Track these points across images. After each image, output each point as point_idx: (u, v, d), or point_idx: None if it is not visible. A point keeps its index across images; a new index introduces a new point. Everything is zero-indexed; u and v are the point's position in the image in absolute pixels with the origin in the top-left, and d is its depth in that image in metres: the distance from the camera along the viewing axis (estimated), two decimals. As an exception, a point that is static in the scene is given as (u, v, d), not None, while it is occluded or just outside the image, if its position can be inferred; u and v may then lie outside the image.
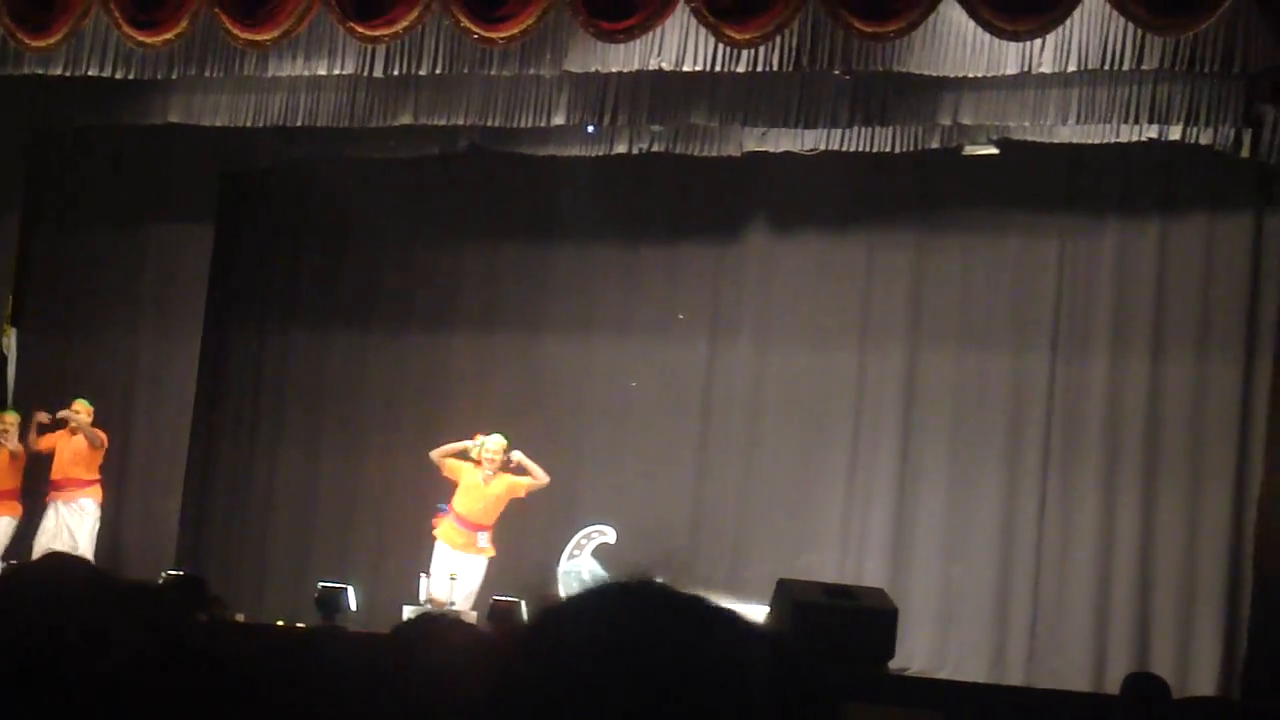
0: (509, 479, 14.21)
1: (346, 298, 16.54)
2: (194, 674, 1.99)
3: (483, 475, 14.16)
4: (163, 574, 13.03)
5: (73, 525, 14.67)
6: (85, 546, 14.51)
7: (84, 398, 15.08)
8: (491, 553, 14.10)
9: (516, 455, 14.23)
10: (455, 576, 13.87)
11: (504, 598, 12.76)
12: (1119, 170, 14.31)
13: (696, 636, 1.33)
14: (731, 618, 1.38)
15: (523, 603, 12.17)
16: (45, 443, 14.93)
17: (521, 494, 14.24)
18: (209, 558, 15.75)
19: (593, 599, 1.37)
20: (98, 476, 14.91)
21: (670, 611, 1.36)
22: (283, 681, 2.08)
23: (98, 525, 14.83)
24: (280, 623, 13.53)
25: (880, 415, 15.08)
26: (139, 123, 14.80)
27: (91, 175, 15.97)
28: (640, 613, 1.34)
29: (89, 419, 14.87)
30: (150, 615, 2.03)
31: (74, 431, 14.85)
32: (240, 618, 13.68)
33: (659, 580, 1.42)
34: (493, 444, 14.20)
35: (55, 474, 14.83)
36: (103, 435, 14.92)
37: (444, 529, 14.25)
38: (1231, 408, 13.90)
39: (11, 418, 14.97)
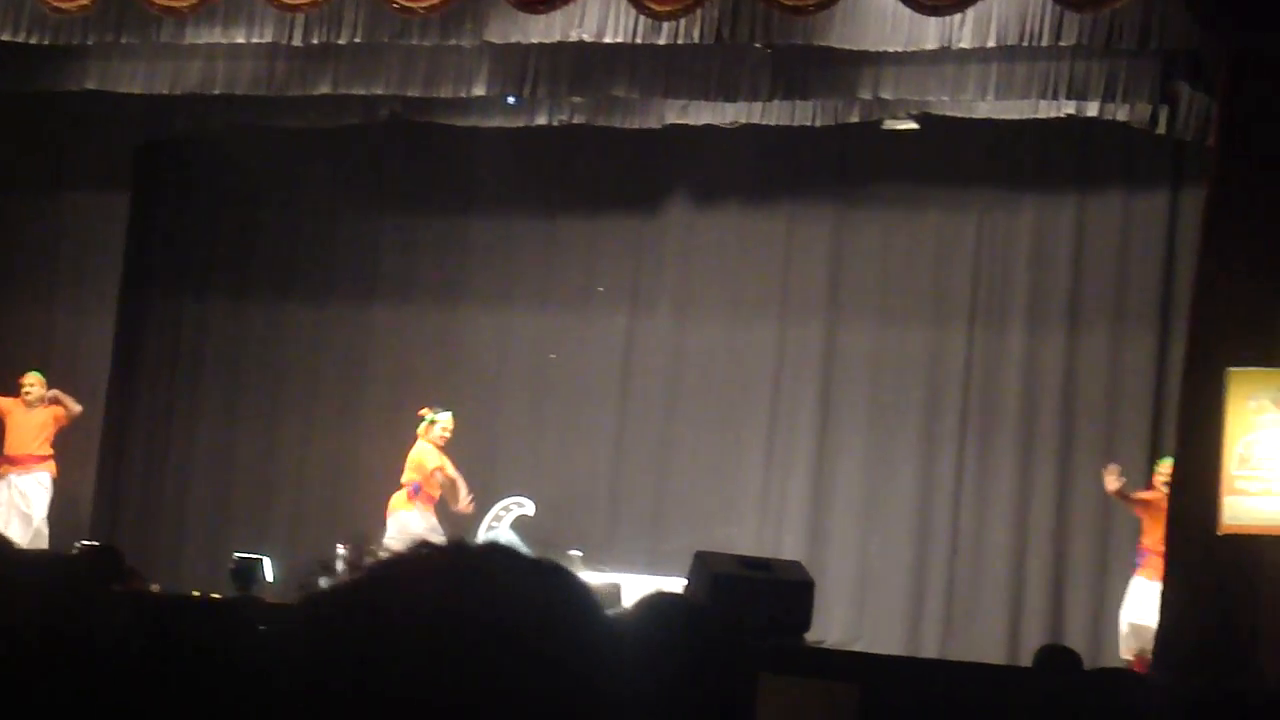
0: (428, 448, 14.13)
1: (265, 268, 16.44)
2: (103, 646, 1.98)
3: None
4: (76, 545, 12.93)
5: (30, 499, 14.48)
6: (40, 521, 14.38)
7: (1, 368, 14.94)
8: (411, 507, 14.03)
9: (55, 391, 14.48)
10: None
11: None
12: (1037, 146, 14.40)
13: (547, 597, 1.30)
14: (577, 582, 1.34)
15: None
16: None
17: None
18: (124, 529, 15.63)
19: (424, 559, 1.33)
20: (52, 451, 14.73)
21: (513, 571, 1.33)
22: (196, 651, 2.07)
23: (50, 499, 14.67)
24: (196, 593, 13.45)
25: (799, 389, 15.13)
26: (55, 89, 14.64)
27: (7, 143, 15.78)
28: (471, 572, 1.30)
29: (43, 391, 14.71)
30: (61, 588, 2.02)
31: (30, 405, 14.65)
32: (156, 588, 13.60)
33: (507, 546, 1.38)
34: (445, 420, 14.12)
35: (10, 448, 14.64)
36: (78, 407, 14.79)
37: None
38: (1146, 382, 14.03)
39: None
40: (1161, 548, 12.25)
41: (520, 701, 1.21)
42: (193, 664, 2.06)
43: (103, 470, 15.80)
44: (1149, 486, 12.72)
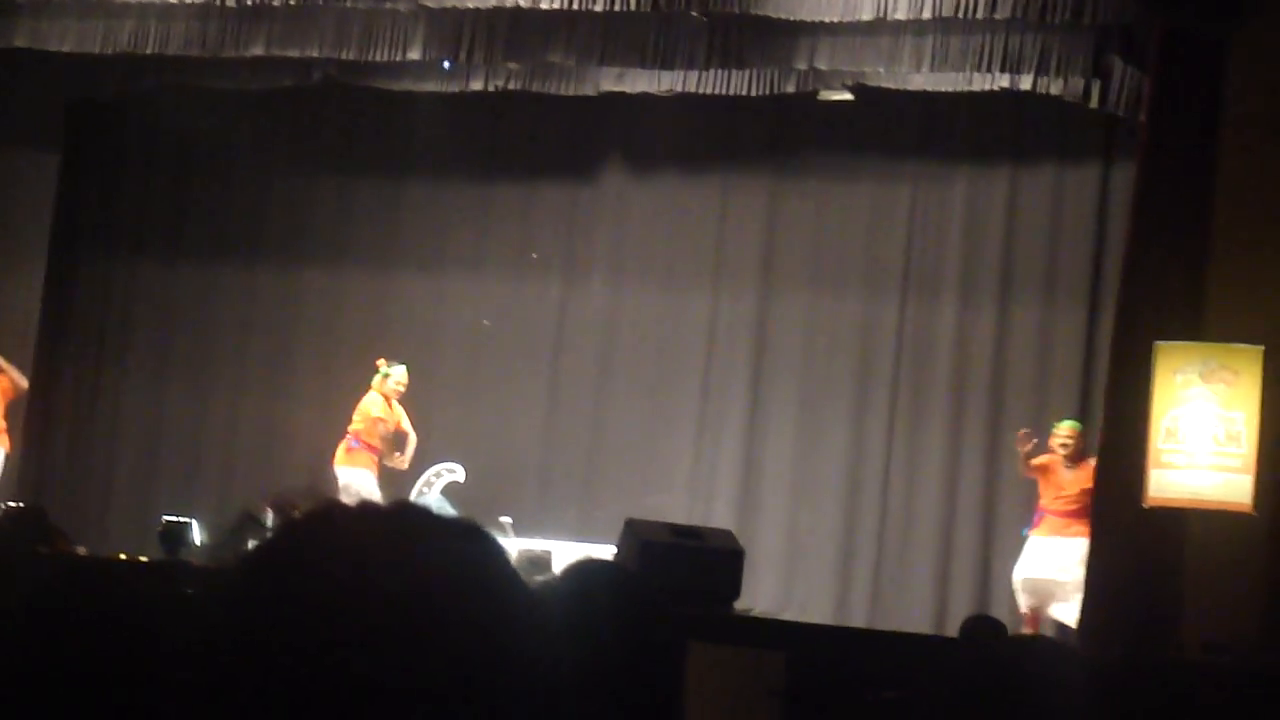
0: (376, 398, 14.21)
1: (196, 230, 16.34)
2: (26, 609, 1.96)
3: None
4: (2, 505, 12.83)
5: None
6: None
7: None
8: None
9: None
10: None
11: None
12: (971, 119, 14.45)
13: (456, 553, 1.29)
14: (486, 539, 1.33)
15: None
16: None
17: (382, 410, 14.20)
18: (51, 491, 15.51)
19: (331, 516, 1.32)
20: (4, 425, 14.53)
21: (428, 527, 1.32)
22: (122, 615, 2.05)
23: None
24: (123, 556, 13.38)
25: (731, 358, 15.16)
26: (-16, 47, 14.49)
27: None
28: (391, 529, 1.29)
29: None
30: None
31: None
32: (82, 551, 13.51)
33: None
34: (399, 375, 14.18)
35: None
36: (24, 381, 14.63)
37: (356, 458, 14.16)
38: (1075, 355, 14.12)
39: None
40: (1055, 506, 12.53)
41: (432, 666, 1.21)
42: (117, 628, 2.04)
43: (29, 432, 15.66)
44: (1047, 450, 12.86)
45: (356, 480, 13.91)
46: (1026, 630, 12.35)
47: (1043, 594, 12.61)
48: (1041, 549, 12.67)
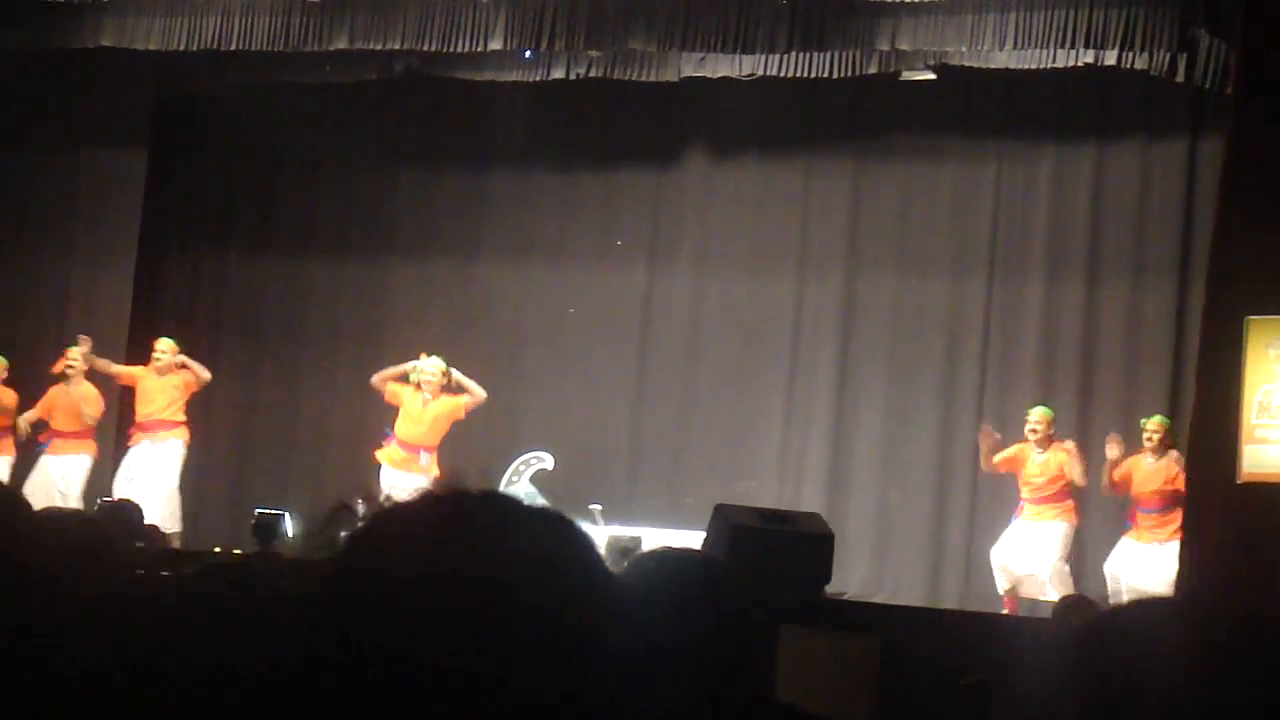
0: (450, 401, 14.22)
1: (283, 223, 16.45)
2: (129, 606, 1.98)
3: (421, 399, 14.17)
4: (97, 502, 12.97)
5: (162, 466, 14.38)
6: (172, 489, 14.35)
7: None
8: (435, 472, 14.10)
9: (455, 374, 14.25)
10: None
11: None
12: (1055, 95, 14.34)
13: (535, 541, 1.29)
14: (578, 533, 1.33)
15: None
16: (124, 379, 14.74)
17: (462, 415, 14.25)
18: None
19: (422, 505, 1.33)
20: (184, 418, 14.60)
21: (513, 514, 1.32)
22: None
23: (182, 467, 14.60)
24: (217, 549, 13.50)
25: (818, 341, 15.13)
26: (72, 46, 14.63)
27: (24, 100, 15.77)
28: (468, 517, 1.30)
29: (173, 357, 14.64)
30: (84, 545, 2.03)
31: (161, 372, 14.52)
32: (177, 545, 13.65)
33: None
34: (429, 367, 14.21)
35: (140, 415, 14.52)
36: (207, 374, 14.72)
37: (386, 452, 14.27)
38: (1165, 331, 14.01)
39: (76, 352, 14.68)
40: (1025, 494, 13.05)
41: (518, 656, 1.22)
42: (212, 622, 2.06)
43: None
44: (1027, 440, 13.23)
45: (389, 478, 14.06)
46: (1005, 611, 12.68)
47: (1016, 578, 13.01)
48: (1019, 533, 13.09)
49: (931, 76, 14.08)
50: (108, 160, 15.95)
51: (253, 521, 13.28)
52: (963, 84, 14.12)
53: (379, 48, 14.13)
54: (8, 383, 14.85)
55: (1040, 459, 13.07)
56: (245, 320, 16.41)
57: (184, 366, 14.64)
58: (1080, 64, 13.25)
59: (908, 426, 14.73)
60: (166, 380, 14.56)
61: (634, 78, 14.61)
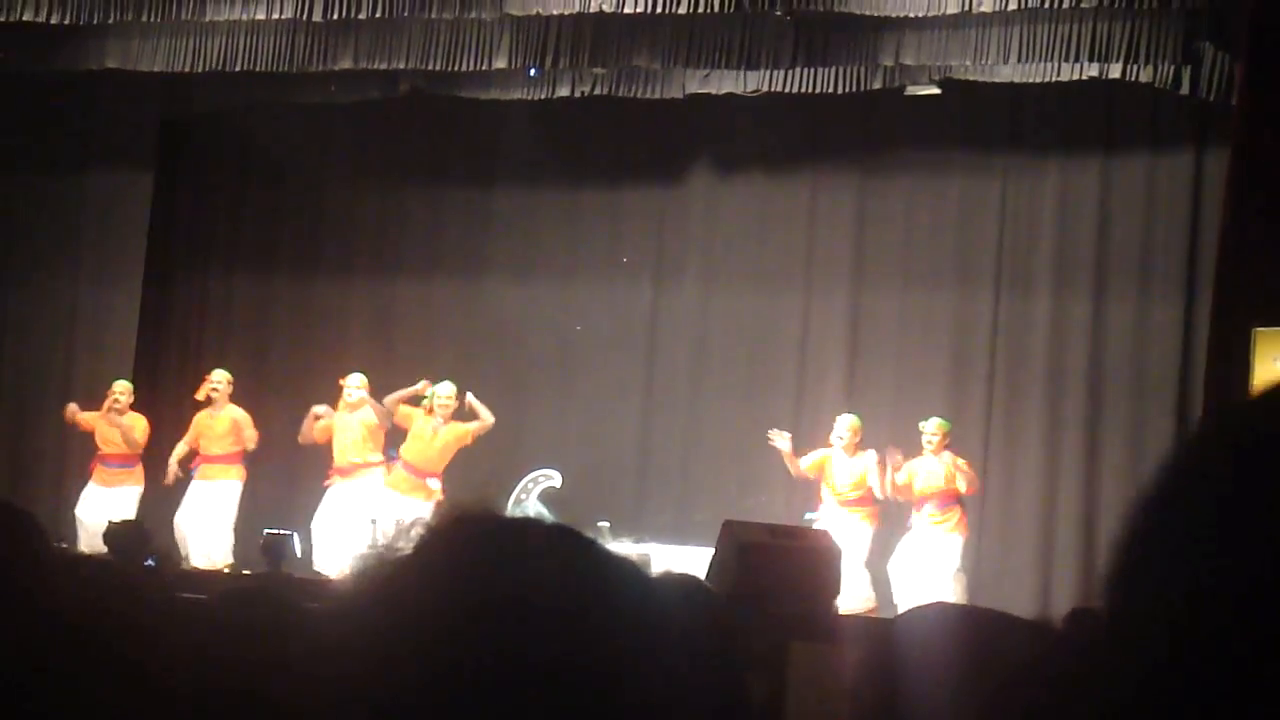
0: (458, 428, 14.19)
1: (289, 243, 16.46)
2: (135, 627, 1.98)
3: (433, 425, 14.13)
4: (107, 521, 12.97)
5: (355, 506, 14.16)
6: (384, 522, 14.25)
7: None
8: (440, 495, 14.09)
9: (469, 397, 14.23)
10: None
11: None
12: (1060, 109, 14.34)
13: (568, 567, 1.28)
14: (602, 550, 1.32)
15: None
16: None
17: (469, 441, 14.23)
18: (153, 505, 15.65)
19: (443, 535, 1.31)
20: (381, 459, 14.36)
21: (540, 542, 1.30)
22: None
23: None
24: (226, 570, 13.51)
25: (825, 356, 15.12)
26: (77, 69, 14.67)
27: (28, 122, 15.81)
28: (497, 547, 1.28)
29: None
30: (92, 569, 2.03)
31: (353, 408, 14.25)
32: (187, 565, 13.65)
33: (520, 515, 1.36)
34: (444, 392, 14.18)
35: (338, 457, 14.32)
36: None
37: (392, 477, 14.22)
38: (1173, 344, 13.99)
39: (124, 385, 14.64)
40: (833, 498, 13.48)
41: (566, 683, 1.21)
42: (232, 643, 2.06)
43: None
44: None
45: (405, 503, 13.96)
46: None
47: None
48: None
49: (936, 91, 14.09)
50: (114, 181, 15.99)
51: (261, 542, 13.28)
52: (967, 98, 14.13)
53: (384, 67, 14.16)
54: (135, 407, 14.73)
55: (849, 465, 13.52)
56: (251, 339, 16.41)
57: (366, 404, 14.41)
58: (1085, 77, 13.26)
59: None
60: (356, 418, 14.27)
61: (639, 95, 14.63)
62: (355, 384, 14.35)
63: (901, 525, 13.55)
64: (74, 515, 14.30)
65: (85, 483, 14.59)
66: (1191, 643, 0.97)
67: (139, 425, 14.54)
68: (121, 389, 14.62)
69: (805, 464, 13.68)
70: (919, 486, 13.36)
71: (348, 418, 14.29)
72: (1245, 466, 0.98)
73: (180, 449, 14.55)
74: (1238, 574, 0.95)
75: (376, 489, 14.18)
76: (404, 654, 1.21)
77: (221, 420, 14.50)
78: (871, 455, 13.48)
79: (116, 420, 14.47)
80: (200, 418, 14.57)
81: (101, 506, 14.15)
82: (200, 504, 14.37)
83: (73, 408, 14.62)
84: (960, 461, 13.40)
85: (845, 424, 13.62)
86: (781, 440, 13.73)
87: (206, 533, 14.12)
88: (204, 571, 13.30)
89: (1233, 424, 1.04)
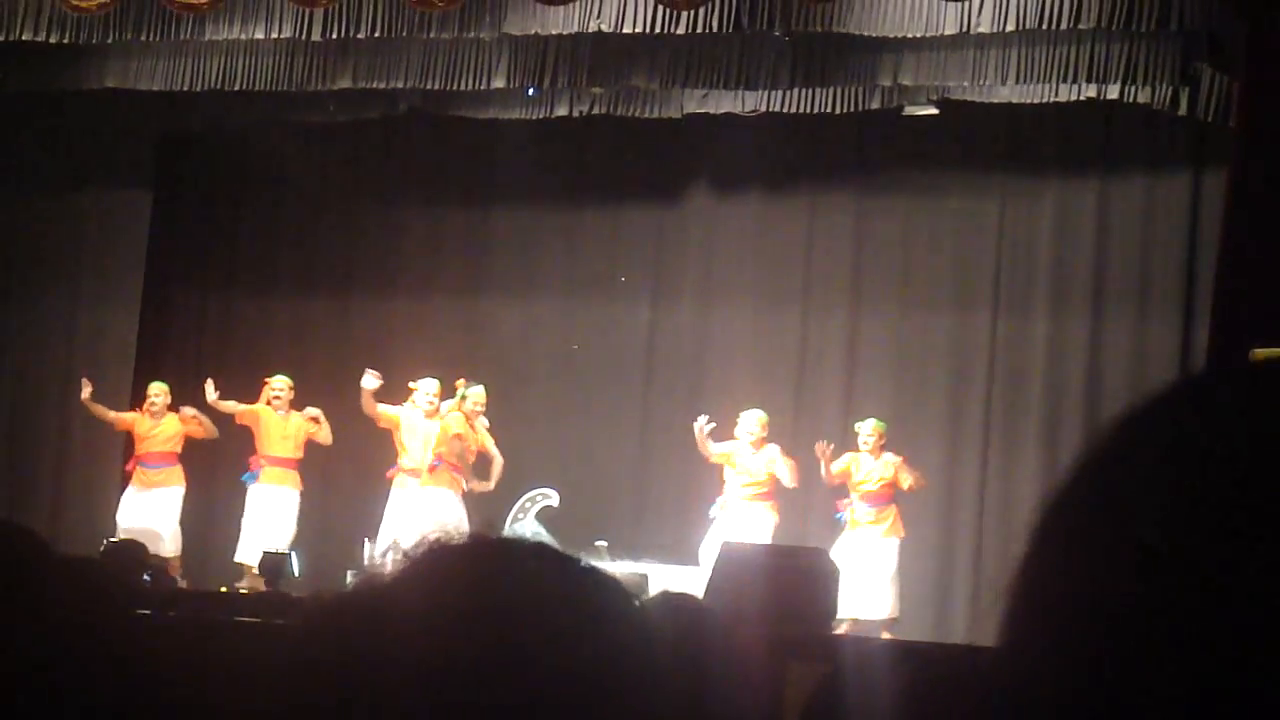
0: (484, 438, 14.18)
1: (287, 262, 16.47)
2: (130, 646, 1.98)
3: (423, 413, 14.13)
4: (104, 540, 12.97)
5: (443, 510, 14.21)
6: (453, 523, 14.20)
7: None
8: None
9: (483, 429, 14.22)
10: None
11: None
12: (1058, 130, 14.36)
13: (567, 593, 1.26)
14: (602, 576, 1.30)
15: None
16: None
17: (462, 428, 14.12)
18: (197, 507, 15.61)
19: (430, 560, 1.29)
20: (454, 462, 14.20)
21: (533, 566, 1.29)
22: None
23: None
24: (223, 589, 13.50)
25: (823, 376, 15.12)
26: (75, 88, 14.68)
27: (27, 141, 15.83)
28: (495, 570, 1.27)
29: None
30: (88, 585, 2.02)
31: (430, 416, 14.16)
32: (183, 584, 13.63)
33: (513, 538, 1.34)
34: (476, 394, 14.16)
35: (414, 460, 14.19)
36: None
37: (434, 476, 14.13)
38: (1171, 365, 13.99)
39: (158, 388, 14.70)
40: (739, 493, 13.64)
41: (551, 706, 1.20)
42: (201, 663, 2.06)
43: (128, 465, 15.81)
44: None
45: (441, 500, 13.91)
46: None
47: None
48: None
49: (934, 111, 14.11)
50: (113, 200, 16.01)
51: (259, 561, 13.28)
52: (966, 119, 14.14)
53: (383, 86, 14.17)
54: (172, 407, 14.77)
55: (753, 460, 13.73)
56: (250, 357, 16.39)
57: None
58: (1083, 98, 13.29)
59: (914, 462, 14.69)
60: (434, 422, 14.17)
61: (637, 114, 14.65)
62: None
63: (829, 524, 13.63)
64: (114, 521, 14.34)
65: (98, 488, 14.71)
66: (1085, 649, 0.96)
67: (176, 424, 14.66)
68: (157, 390, 14.66)
69: (836, 469, 13.72)
70: (858, 478, 13.55)
71: (424, 422, 14.19)
72: (1147, 470, 0.98)
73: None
74: (1133, 579, 0.94)
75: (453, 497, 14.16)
76: (370, 676, 1.20)
77: (294, 423, 14.48)
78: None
79: (168, 420, 14.60)
80: (264, 414, 14.52)
81: (143, 510, 14.25)
82: (262, 507, 14.38)
83: (88, 393, 14.67)
84: (899, 460, 13.56)
85: (754, 419, 13.86)
86: (824, 450, 13.71)
87: (265, 535, 14.10)
88: (198, 591, 13.28)
89: (1138, 425, 1.04)
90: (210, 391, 14.63)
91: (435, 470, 14.04)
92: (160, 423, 14.63)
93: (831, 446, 13.67)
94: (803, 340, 15.22)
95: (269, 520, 14.29)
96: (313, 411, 14.60)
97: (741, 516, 13.62)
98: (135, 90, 14.50)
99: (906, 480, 13.55)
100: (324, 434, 14.61)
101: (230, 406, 14.60)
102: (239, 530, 14.38)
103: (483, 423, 14.29)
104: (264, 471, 14.49)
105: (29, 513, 14.67)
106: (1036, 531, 1.03)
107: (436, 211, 16.15)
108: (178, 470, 14.63)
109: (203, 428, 14.54)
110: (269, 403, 14.54)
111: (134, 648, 1.98)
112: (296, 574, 13.32)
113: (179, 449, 14.65)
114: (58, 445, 15.56)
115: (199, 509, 14.86)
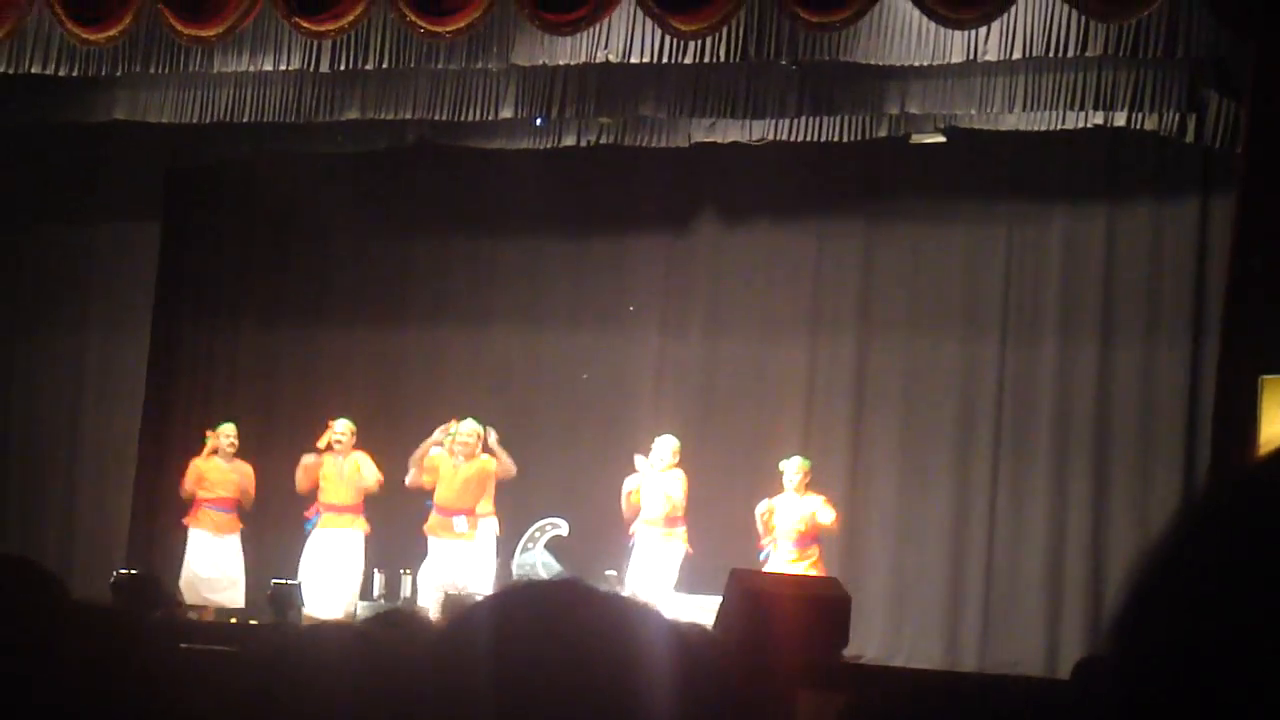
0: (480, 463, 14.15)
1: (296, 293, 16.48)
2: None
3: (453, 463, 14.08)
4: (115, 572, 12.97)
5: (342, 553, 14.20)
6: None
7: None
8: (470, 537, 14.03)
9: (492, 442, 14.21)
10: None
11: (459, 590, 12.73)
12: (1065, 157, 14.36)
13: (622, 634, 1.31)
14: (658, 618, 1.35)
15: (475, 595, 12.12)
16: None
17: (495, 478, 14.14)
18: (162, 555, 15.65)
19: (508, 598, 1.35)
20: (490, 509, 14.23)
21: (593, 609, 1.33)
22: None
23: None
24: (233, 620, 13.49)
25: (831, 404, 15.12)
26: (84, 120, 14.71)
27: (36, 173, 15.86)
28: (560, 611, 1.32)
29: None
30: (101, 617, 2.03)
31: (467, 457, 14.09)
32: (194, 615, 13.63)
33: (579, 580, 1.39)
34: (465, 429, 14.14)
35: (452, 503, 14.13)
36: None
37: (429, 522, 14.16)
38: (1180, 392, 13.98)
39: (231, 429, 14.63)
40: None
41: None
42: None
43: (138, 497, 15.84)
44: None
45: (468, 549, 13.95)
46: None
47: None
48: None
49: (941, 139, 14.13)
50: (122, 232, 16.03)
51: (268, 592, 13.27)
52: (973, 147, 14.16)
53: (391, 117, 14.20)
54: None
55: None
56: (260, 388, 16.43)
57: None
58: (1090, 125, 13.30)
59: (923, 489, 14.71)
60: (466, 468, 14.14)
61: (645, 144, 14.68)
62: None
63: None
64: (182, 567, 14.29)
65: (107, 519, 14.64)
66: (1192, 700, 0.97)
67: (249, 474, 14.59)
68: (228, 431, 14.61)
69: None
70: (777, 523, 13.54)
71: (452, 468, 14.12)
72: (1252, 527, 0.99)
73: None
74: (1241, 634, 0.95)
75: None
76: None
77: (349, 466, 14.39)
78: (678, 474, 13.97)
79: (233, 466, 14.54)
80: (326, 463, 14.41)
81: (217, 557, 14.22)
82: (325, 553, 14.29)
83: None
84: (822, 499, 13.60)
85: (667, 446, 14.02)
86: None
87: (332, 583, 14.04)
88: (211, 622, 13.27)
89: (1241, 483, 1.05)
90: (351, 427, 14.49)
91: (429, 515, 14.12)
92: (232, 465, 14.57)
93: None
94: (811, 368, 15.22)
95: (333, 567, 14.17)
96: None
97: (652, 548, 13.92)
98: (144, 122, 14.54)
99: (827, 515, 13.52)
100: (506, 463, 14.30)
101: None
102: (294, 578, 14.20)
103: (492, 443, 14.22)
104: (323, 517, 14.39)
105: (38, 545, 14.68)
106: (1142, 584, 1.05)
107: (444, 241, 16.17)
108: (235, 516, 14.59)
109: (501, 467, 14.20)
110: (330, 447, 14.39)
111: (146, 683, 1.98)
112: (306, 606, 13.30)
113: (238, 494, 14.59)
114: (67, 476, 15.56)
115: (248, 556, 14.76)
